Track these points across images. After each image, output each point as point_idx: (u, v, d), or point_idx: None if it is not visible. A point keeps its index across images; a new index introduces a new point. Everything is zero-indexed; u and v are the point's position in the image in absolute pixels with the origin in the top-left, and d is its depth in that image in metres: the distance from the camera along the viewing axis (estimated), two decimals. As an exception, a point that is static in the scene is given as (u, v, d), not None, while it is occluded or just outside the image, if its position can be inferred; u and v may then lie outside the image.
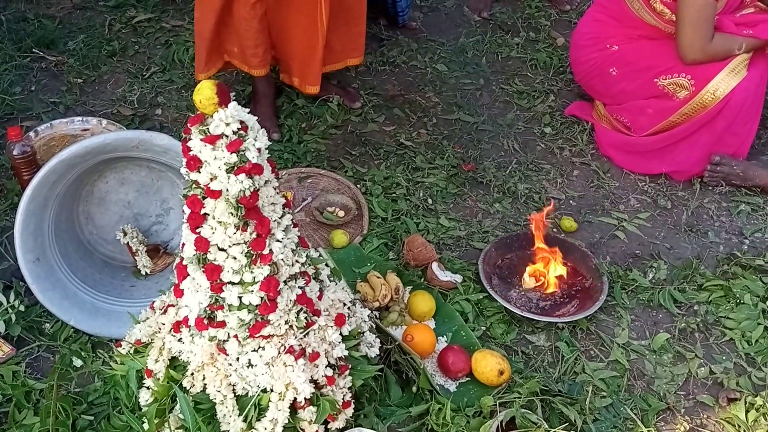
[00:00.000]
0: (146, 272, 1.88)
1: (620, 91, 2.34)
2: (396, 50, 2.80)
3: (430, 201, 2.21)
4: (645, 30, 2.25)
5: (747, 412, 1.68)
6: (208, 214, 1.26)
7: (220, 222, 1.26)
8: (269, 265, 1.30)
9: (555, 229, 2.15)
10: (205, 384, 1.38)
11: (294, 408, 1.38)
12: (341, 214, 2.13)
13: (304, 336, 1.39)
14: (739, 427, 1.66)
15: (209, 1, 2.13)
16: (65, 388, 1.63)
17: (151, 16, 2.84)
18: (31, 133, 2.19)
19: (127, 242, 1.88)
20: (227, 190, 1.22)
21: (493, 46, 2.84)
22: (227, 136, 1.20)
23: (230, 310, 1.33)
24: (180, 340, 1.41)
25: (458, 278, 1.94)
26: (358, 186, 2.22)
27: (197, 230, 1.28)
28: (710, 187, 2.29)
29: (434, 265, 1.94)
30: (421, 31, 2.90)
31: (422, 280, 1.93)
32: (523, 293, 1.94)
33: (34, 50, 2.62)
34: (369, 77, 2.68)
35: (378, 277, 1.85)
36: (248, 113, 1.25)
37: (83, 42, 2.69)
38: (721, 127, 2.18)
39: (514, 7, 3.05)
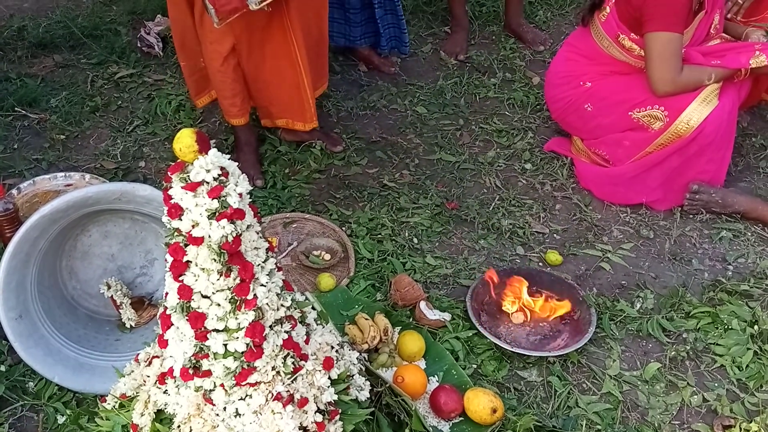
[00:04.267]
0: (131, 325, 1.86)
1: (596, 126, 2.39)
2: (376, 95, 2.85)
3: (415, 240, 2.22)
4: (616, 66, 2.31)
5: (743, 439, 1.67)
6: (191, 261, 1.26)
7: (203, 269, 1.26)
8: (254, 310, 1.29)
9: (541, 263, 2.16)
10: (193, 436, 1.36)
11: (284, 456, 1.35)
12: (327, 257, 2.13)
13: (292, 382, 1.37)
14: (737, 454, 1.65)
15: (189, 51, 2.22)
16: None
17: (133, 72, 2.88)
18: (14, 191, 2.19)
19: (111, 295, 1.86)
20: (209, 236, 1.22)
21: (470, 88, 2.89)
22: (208, 183, 1.21)
23: (215, 358, 1.31)
24: (165, 392, 1.39)
25: (447, 316, 1.93)
26: (344, 228, 2.23)
27: (180, 278, 1.27)
28: (691, 216, 2.32)
29: (422, 304, 1.93)
30: (399, 75, 2.96)
31: (411, 319, 1.93)
32: (512, 329, 1.94)
33: (16, 108, 2.64)
34: (351, 121, 2.71)
35: (366, 319, 1.84)
36: (232, 161, 1.27)
37: (66, 99, 2.72)
38: (697, 155, 2.22)
39: (490, 50, 3.13)
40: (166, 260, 1.28)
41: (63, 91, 2.76)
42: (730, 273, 2.13)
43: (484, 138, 2.66)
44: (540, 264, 2.15)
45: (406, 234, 2.24)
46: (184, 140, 1.18)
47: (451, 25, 3.16)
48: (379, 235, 2.22)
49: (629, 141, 2.30)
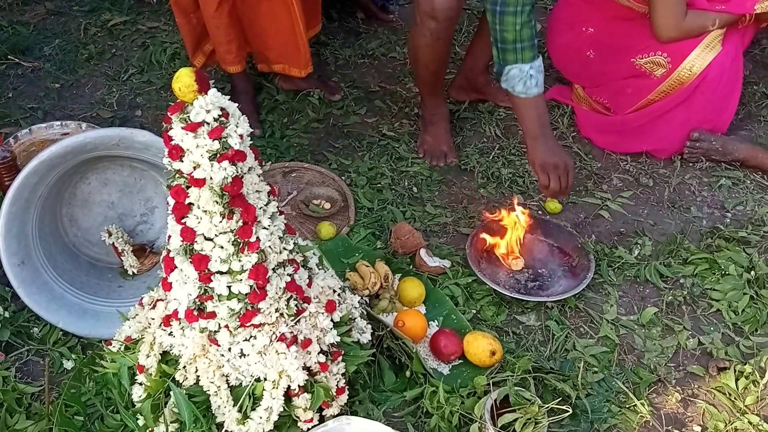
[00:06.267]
0: (133, 272, 1.87)
1: (598, 73, 2.36)
2: (374, 43, 2.80)
3: (415, 189, 2.22)
4: (619, 11, 2.26)
5: (737, 380, 1.70)
6: (193, 204, 1.26)
7: (206, 211, 1.25)
8: (257, 252, 1.30)
9: (540, 211, 2.16)
10: (198, 376, 1.38)
11: (288, 396, 1.38)
12: (327, 206, 2.13)
13: (295, 323, 1.39)
14: (730, 395, 1.68)
15: (183, 7, 2.17)
16: (57, 391, 1.61)
17: (127, 19, 2.82)
18: (11, 139, 2.16)
19: (113, 243, 1.87)
20: (211, 178, 1.22)
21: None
22: (208, 123, 1.20)
23: (220, 300, 1.32)
24: (170, 333, 1.40)
25: (447, 263, 1.95)
26: (343, 178, 2.22)
27: (183, 220, 1.27)
28: (691, 164, 2.32)
29: (422, 252, 1.94)
30: (398, 22, 2.91)
31: (411, 267, 1.94)
32: (511, 275, 1.95)
33: (9, 57, 2.60)
34: (349, 70, 2.68)
35: (367, 266, 1.85)
36: (232, 102, 1.25)
37: (59, 47, 2.67)
38: (699, 102, 2.21)
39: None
40: (168, 203, 1.28)
41: (56, 38, 2.71)
42: (728, 220, 2.14)
43: (484, 86, 2.63)
44: (539, 212, 2.16)
45: (406, 183, 2.24)
46: (184, 79, 1.17)
47: (424, 120, 2.30)
48: (379, 185, 2.22)
49: (631, 89, 2.28)
